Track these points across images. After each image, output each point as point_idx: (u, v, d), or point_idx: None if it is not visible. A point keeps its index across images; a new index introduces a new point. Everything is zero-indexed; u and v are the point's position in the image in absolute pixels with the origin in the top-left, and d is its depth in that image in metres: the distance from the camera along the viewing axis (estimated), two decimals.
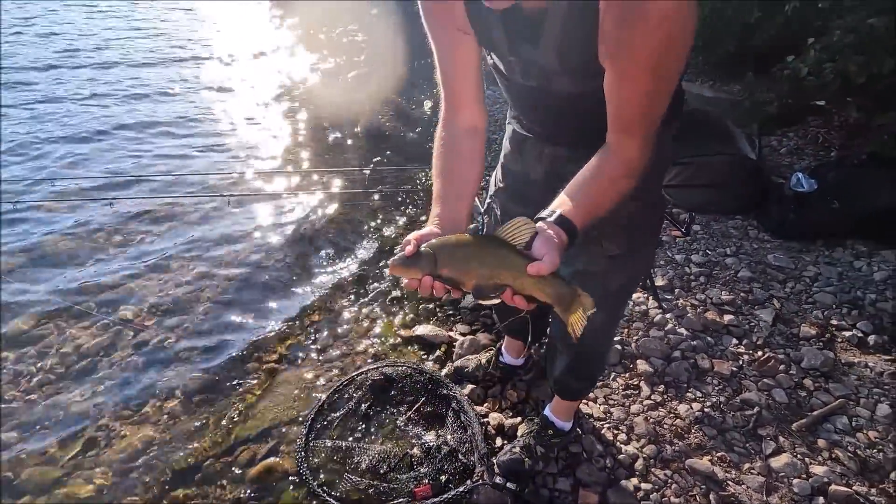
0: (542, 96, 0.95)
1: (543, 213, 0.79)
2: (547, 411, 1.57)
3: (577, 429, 1.62)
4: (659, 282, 2.28)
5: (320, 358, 1.99)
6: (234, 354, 2.01)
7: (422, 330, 2.06)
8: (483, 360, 1.85)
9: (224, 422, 1.74)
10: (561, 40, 0.81)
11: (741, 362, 1.89)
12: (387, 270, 2.49)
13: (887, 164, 2.68)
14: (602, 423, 1.68)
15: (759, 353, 1.92)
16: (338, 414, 1.72)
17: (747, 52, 4.13)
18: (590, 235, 1.03)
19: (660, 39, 0.71)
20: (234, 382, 1.90)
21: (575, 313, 0.76)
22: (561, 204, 0.80)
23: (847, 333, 1.99)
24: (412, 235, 0.77)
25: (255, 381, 1.90)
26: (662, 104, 0.82)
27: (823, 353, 1.88)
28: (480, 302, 0.76)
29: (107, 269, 2.44)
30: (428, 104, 4.60)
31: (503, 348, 1.83)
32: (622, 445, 1.60)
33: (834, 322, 2.06)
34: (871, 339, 1.96)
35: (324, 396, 1.76)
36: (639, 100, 0.79)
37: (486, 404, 1.76)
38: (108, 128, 3.83)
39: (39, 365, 1.95)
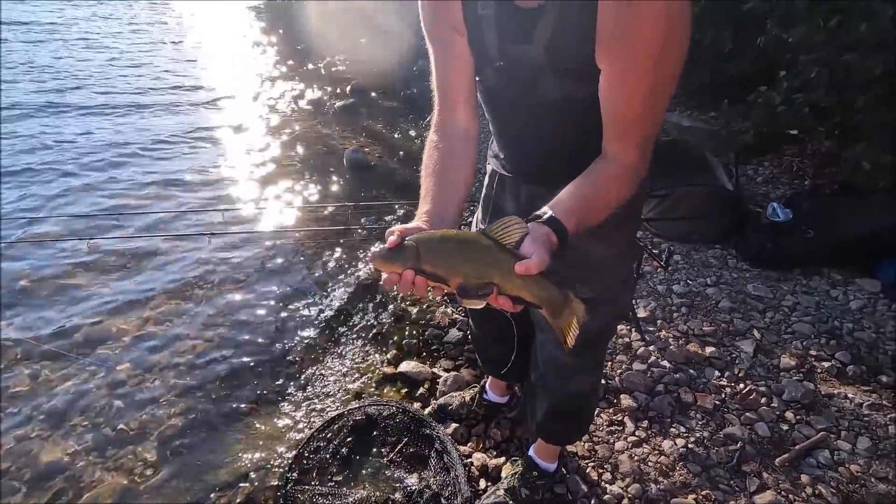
0: (527, 103, 0.93)
1: (536, 214, 0.77)
2: (531, 452, 1.55)
3: (562, 468, 1.60)
4: (641, 313, 2.29)
5: (301, 398, 1.96)
6: (211, 396, 1.96)
7: (405, 366, 2.04)
8: (467, 398, 1.83)
9: (200, 467, 1.69)
10: (553, 37, 0.80)
11: (724, 395, 1.90)
12: (367, 288, 2.49)
13: (858, 194, 2.77)
14: (587, 461, 1.66)
15: (741, 385, 1.93)
16: (319, 457, 1.68)
17: (722, 81, 4.26)
18: (564, 279, 1.03)
19: (660, 35, 0.71)
20: (211, 425, 1.85)
21: (566, 320, 0.72)
22: (554, 205, 0.77)
23: (826, 364, 2.02)
24: (396, 227, 0.72)
25: (232, 424, 1.85)
26: (660, 108, 0.81)
27: (804, 385, 1.89)
28: (464, 303, 0.70)
29: (82, 308, 2.39)
30: (413, 133, 4.65)
31: (487, 385, 1.82)
32: (607, 485, 1.58)
33: (813, 352, 2.08)
34: (850, 369, 1.98)
35: (304, 439, 1.73)
36: (637, 100, 0.78)
37: (469, 444, 1.73)
38: (88, 163, 3.80)
39: (8, 409, 1.89)
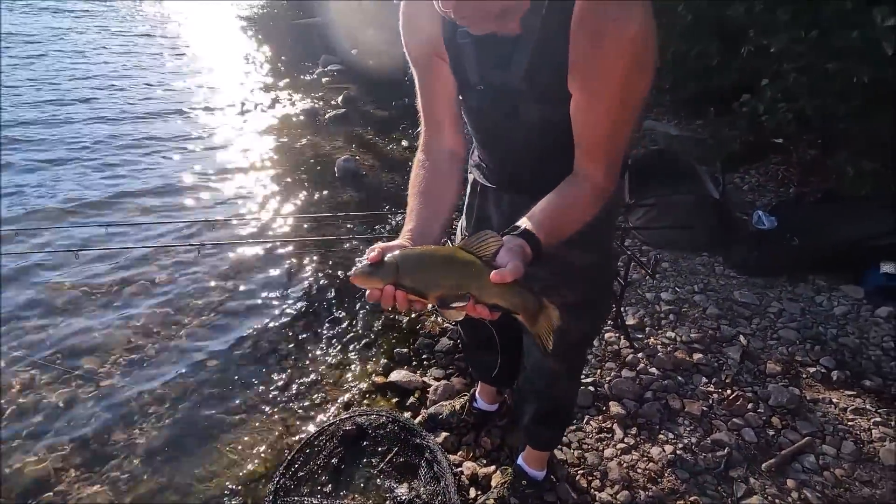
0: (508, 126, 0.96)
1: (511, 227, 0.80)
2: (520, 461, 1.56)
3: (552, 476, 1.61)
4: (630, 321, 2.31)
5: (290, 408, 1.95)
6: (198, 407, 1.95)
7: (395, 375, 2.05)
8: (457, 406, 1.84)
9: (187, 480, 1.68)
10: (530, 65, 0.84)
11: (711, 401, 1.92)
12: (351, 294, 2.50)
13: (842, 202, 2.82)
14: (576, 469, 1.67)
15: (728, 391, 1.95)
16: (308, 468, 1.68)
17: (709, 92, 4.34)
18: (547, 285, 1.06)
19: (627, 61, 0.76)
20: (200, 437, 1.84)
21: (542, 324, 0.75)
22: (527, 220, 0.81)
23: (811, 369, 2.04)
24: (378, 245, 0.75)
25: (221, 435, 1.84)
26: (626, 132, 0.85)
27: (790, 391, 1.92)
28: (444, 314, 0.73)
29: (70, 320, 2.37)
30: (405, 143, 4.68)
31: (477, 393, 1.82)
32: (596, 493, 1.59)
33: (798, 358, 2.11)
34: (835, 374, 2.01)
35: (293, 449, 1.72)
36: (603, 126, 0.83)
37: (459, 453, 1.74)
38: (75, 173, 3.79)
39: None
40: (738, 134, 4.10)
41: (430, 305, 0.75)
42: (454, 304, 0.72)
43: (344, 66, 7.01)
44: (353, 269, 0.74)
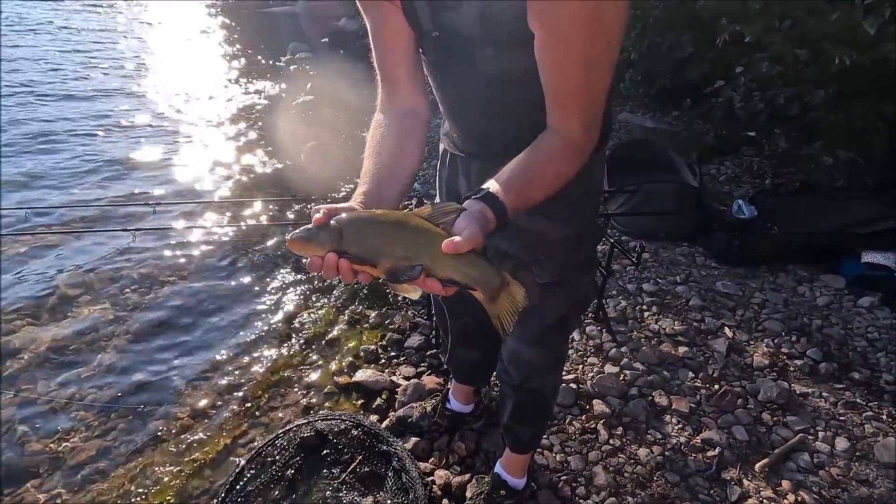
0: (468, 78, 0.86)
1: (472, 192, 0.70)
2: (498, 468, 1.41)
3: (532, 483, 1.46)
4: (611, 313, 2.19)
5: (241, 413, 1.75)
6: (132, 411, 1.73)
7: (361, 375, 1.86)
8: (428, 408, 1.67)
9: (119, 497, 1.46)
10: (484, 3, 0.74)
11: (699, 397, 1.81)
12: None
13: (818, 192, 2.78)
14: (559, 474, 1.53)
15: (716, 386, 1.85)
16: (261, 480, 1.48)
17: (683, 84, 4.31)
18: (519, 262, 0.92)
19: None
20: (133, 445, 1.61)
21: (502, 304, 0.65)
22: (491, 182, 0.72)
23: (798, 362, 1.96)
24: (323, 206, 0.65)
25: (160, 445, 1.62)
26: (599, 76, 0.74)
27: (778, 385, 1.83)
28: (397, 290, 0.64)
29: None
30: None
31: (450, 393, 1.66)
32: (581, 500, 1.45)
33: (785, 350, 2.03)
34: (822, 367, 1.93)
35: (243, 461, 1.52)
36: (571, 64, 0.71)
37: (431, 460, 1.57)
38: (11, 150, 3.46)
39: None
40: (711, 127, 4.09)
41: (380, 278, 0.64)
42: (404, 277, 0.61)
43: (313, 54, 6.77)
44: (291, 234, 0.62)
